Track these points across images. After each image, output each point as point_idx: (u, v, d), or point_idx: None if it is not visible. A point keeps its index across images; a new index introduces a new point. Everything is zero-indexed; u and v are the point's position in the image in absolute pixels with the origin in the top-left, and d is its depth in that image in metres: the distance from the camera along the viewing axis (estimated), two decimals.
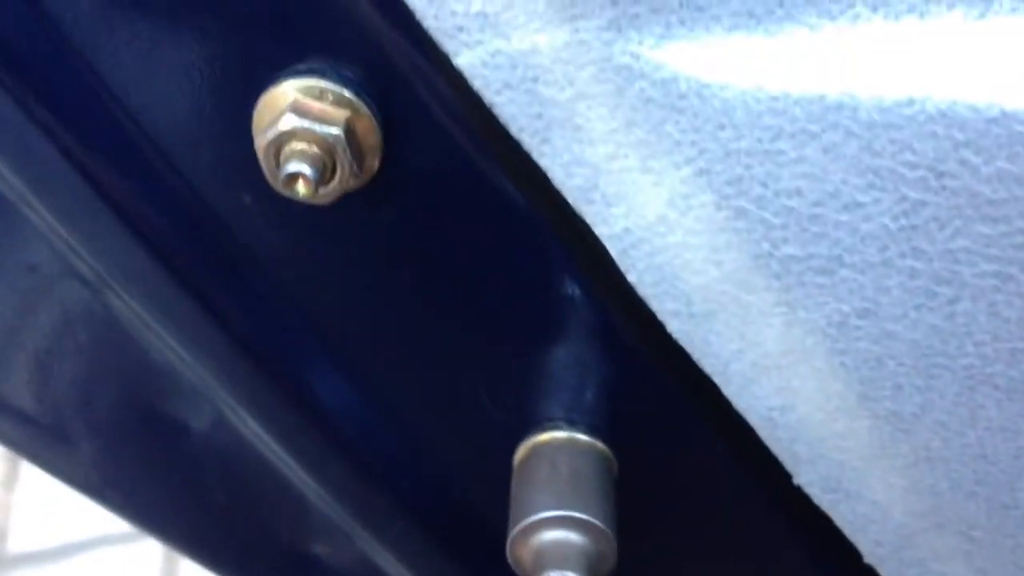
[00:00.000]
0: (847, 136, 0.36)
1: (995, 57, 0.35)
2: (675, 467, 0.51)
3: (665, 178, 0.38)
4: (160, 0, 0.39)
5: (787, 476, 0.46)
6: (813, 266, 0.39)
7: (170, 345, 0.49)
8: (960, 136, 0.36)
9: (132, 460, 0.56)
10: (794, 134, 0.36)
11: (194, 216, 0.45)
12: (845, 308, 0.40)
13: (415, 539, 0.55)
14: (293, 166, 0.38)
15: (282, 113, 0.39)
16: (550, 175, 0.39)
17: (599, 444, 0.50)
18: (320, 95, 0.39)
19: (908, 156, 0.36)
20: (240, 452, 0.53)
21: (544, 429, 0.50)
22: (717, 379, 0.43)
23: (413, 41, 0.37)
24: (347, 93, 0.39)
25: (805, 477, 0.46)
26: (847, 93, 0.36)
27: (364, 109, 0.39)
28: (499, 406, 0.49)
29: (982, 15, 0.35)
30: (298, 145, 0.39)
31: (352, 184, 0.40)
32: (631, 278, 0.41)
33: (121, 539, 1.63)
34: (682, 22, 0.36)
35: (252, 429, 0.52)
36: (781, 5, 0.36)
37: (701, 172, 0.38)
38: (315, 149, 0.39)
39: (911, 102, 0.35)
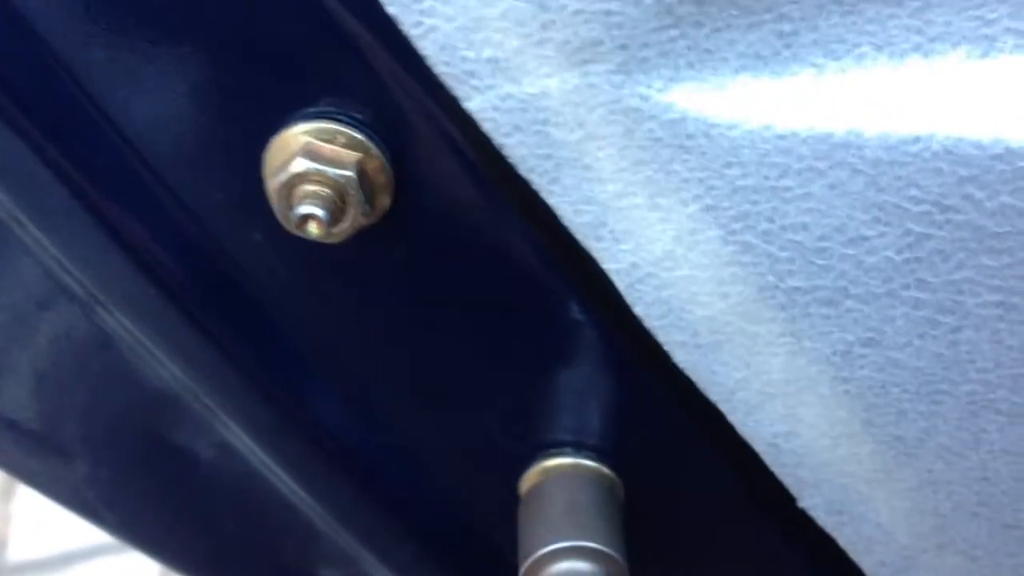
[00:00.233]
0: (853, 173, 0.37)
1: (998, 95, 0.36)
2: (681, 491, 0.51)
3: (673, 215, 0.39)
4: (170, 40, 0.39)
5: (791, 499, 0.47)
6: (818, 298, 0.40)
7: (172, 370, 0.49)
8: (964, 172, 0.36)
9: (131, 482, 0.56)
10: (801, 171, 0.37)
11: (201, 250, 0.45)
12: (850, 338, 0.41)
13: (422, 564, 0.56)
14: (305, 208, 0.39)
15: (294, 156, 0.39)
16: (558, 213, 0.39)
17: (605, 470, 0.50)
18: (331, 137, 0.39)
19: (913, 191, 0.37)
20: (244, 477, 0.53)
21: (550, 456, 0.50)
22: (722, 407, 0.44)
23: (424, 84, 0.37)
24: (358, 135, 0.39)
25: (809, 500, 0.47)
26: (853, 131, 0.36)
27: (375, 150, 0.39)
28: (506, 433, 0.50)
29: (985, 54, 0.36)
30: (310, 187, 0.39)
31: (363, 223, 0.40)
32: (638, 311, 0.41)
33: (120, 548, 1.63)
34: (690, 64, 0.36)
35: (258, 455, 0.52)
36: (787, 46, 0.36)
37: (708, 208, 0.38)
38: (327, 191, 0.39)
39: (916, 139, 0.36)
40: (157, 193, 0.43)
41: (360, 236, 0.41)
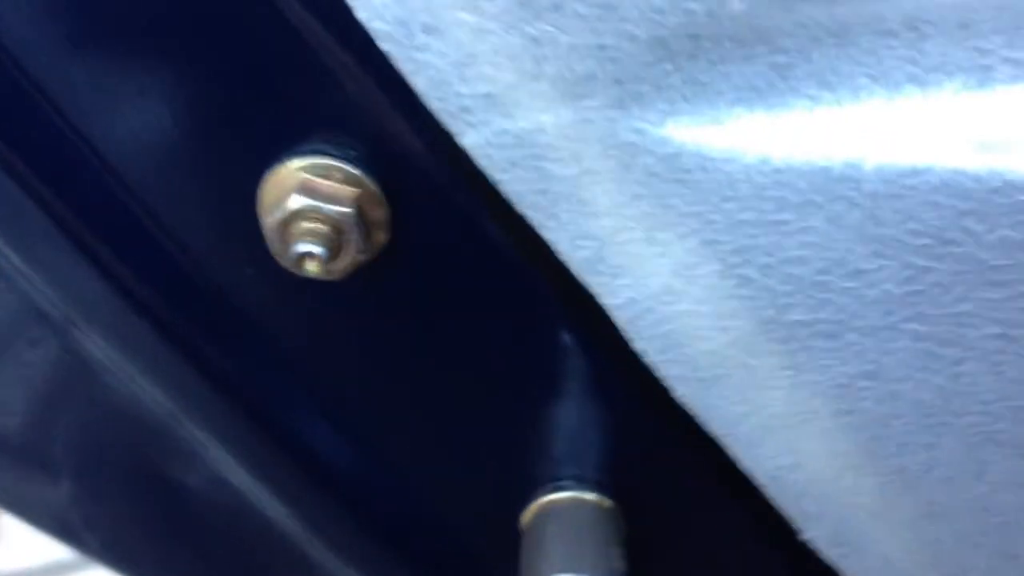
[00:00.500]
0: (851, 206, 0.37)
1: (995, 126, 0.36)
2: (683, 523, 0.51)
3: (671, 249, 0.38)
4: (162, 75, 0.39)
5: (793, 531, 0.46)
6: (819, 331, 0.40)
7: (155, 396, 0.49)
8: (963, 205, 0.36)
9: (115, 506, 0.56)
10: (799, 205, 0.37)
11: (189, 281, 0.45)
12: (851, 371, 0.41)
13: None
14: (303, 246, 0.38)
15: (289, 192, 0.39)
16: (555, 248, 0.39)
17: (607, 502, 0.50)
18: (327, 173, 0.39)
19: (912, 225, 0.37)
20: (233, 502, 0.52)
21: (551, 490, 0.50)
22: (724, 440, 0.44)
23: (419, 120, 0.37)
24: (354, 170, 0.39)
25: (812, 532, 0.46)
26: (851, 163, 0.36)
27: (371, 185, 0.39)
28: (506, 467, 0.49)
29: (981, 84, 0.36)
30: (307, 224, 0.39)
31: (360, 259, 0.40)
32: (637, 346, 0.41)
33: None
34: (685, 98, 0.36)
35: (247, 482, 0.52)
36: (783, 78, 0.36)
37: (706, 243, 0.38)
38: (324, 228, 0.39)
39: (915, 172, 0.36)
40: (143, 224, 0.43)
41: (357, 272, 0.41)
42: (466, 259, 0.42)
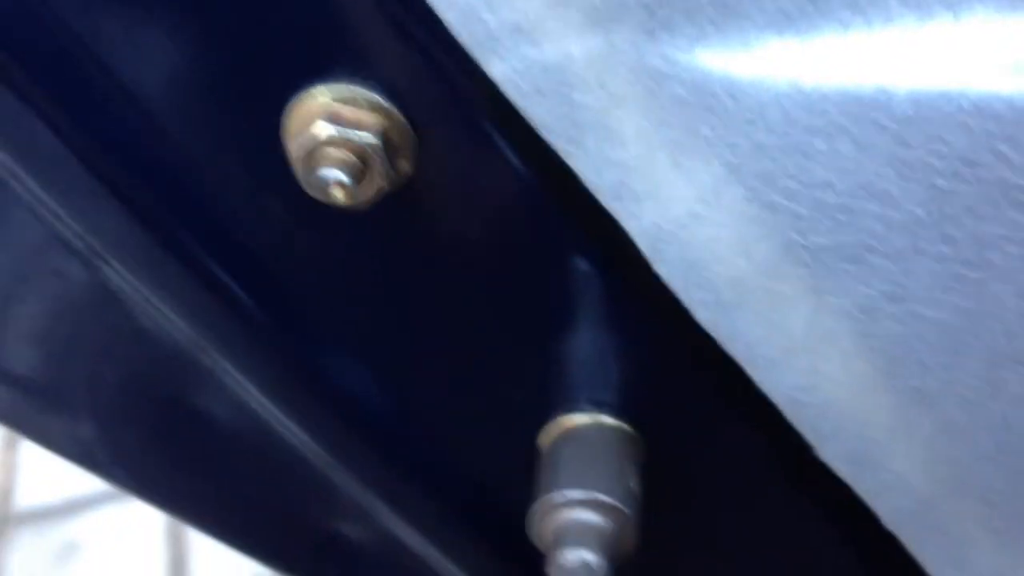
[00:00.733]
0: (880, 130, 0.36)
1: None
2: (701, 448, 0.51)
3: (696, 175, 0.38)
4: (186, 2, 0.38)
5: (810, 453, 0.47)
6: (842, 254, 0.40)
7: (179, 326, 0.49)
8: (994, 128, 0.36)
9: (141, 438, 0.56)
10: (827, 130, 0.37)
11: (212, 210, 0.44)
12: (873, 293, 0.41)
13: (440, 517, 0.56)
14: (329, 173, 0.38)
15: (315, 119, 0.38)
16: (580, 175, 0.39)
17: (625, 426, 0.50)
18: (353, 100, 0.39)
19: (940, 147, 0.36)
20: (256, 431, 0.53)
21: (570, 411, 0.50)
22: (743, 363, 0.44)
23: (445, 50, 0.37)
24: (379, 98, 0.39)
25: (829, 452, 0.47)
26: (881, 89, 0.36)
27: (397, 113, 0.39)
28: (526, 391, 0.50)
29: (1013, 6, 0.35)
30: (333, 152, 0.38)
31: (385, 189, 0.40)
32: (660, 271, 0.41)
33: (128, 496, 1.64)
34: (714, 24, 0.36)
35: (270, 410, 0.52)
36: (814, 3, 0.35)
37: (732, 169, 0.38)
38: (350, 155, 0.38)
39: (946, 96, 0.36)
40: (168, 156, 0.43)
41: (381, 202, 0.41)
42: (490, 189, 0.42)
